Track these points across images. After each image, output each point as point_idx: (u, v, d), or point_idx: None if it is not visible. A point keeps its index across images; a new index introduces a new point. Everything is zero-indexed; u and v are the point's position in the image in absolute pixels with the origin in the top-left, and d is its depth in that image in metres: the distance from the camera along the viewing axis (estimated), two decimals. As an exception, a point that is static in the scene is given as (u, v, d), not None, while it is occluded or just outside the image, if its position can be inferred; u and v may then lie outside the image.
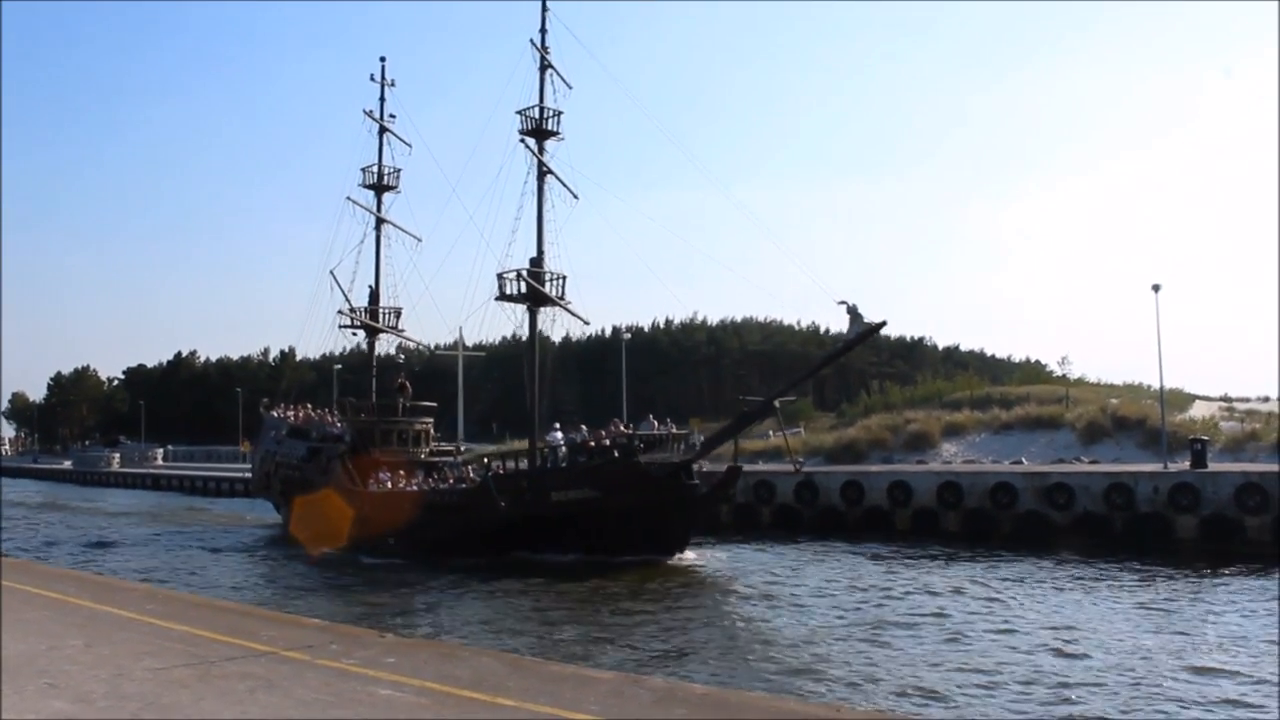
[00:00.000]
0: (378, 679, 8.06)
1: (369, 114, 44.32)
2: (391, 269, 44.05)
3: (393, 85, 44.73)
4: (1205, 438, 36.52)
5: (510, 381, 50.11)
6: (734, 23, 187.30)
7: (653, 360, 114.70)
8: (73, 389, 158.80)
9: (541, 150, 34.86)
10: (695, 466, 30.99)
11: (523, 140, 34.83)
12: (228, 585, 26.52)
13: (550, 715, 6.93)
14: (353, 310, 43.36)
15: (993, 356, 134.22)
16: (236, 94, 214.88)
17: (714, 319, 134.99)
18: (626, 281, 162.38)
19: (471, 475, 35.46)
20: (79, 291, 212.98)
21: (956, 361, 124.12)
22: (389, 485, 35.61)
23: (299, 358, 72.12)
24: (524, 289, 34.27)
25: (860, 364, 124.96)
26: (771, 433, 75.78)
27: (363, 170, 44.34)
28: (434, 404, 42.80)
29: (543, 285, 34.53)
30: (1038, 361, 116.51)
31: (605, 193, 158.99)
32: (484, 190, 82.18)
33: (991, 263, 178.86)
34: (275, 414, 45.58)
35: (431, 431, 41.88)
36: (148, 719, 6.75)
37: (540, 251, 34.59)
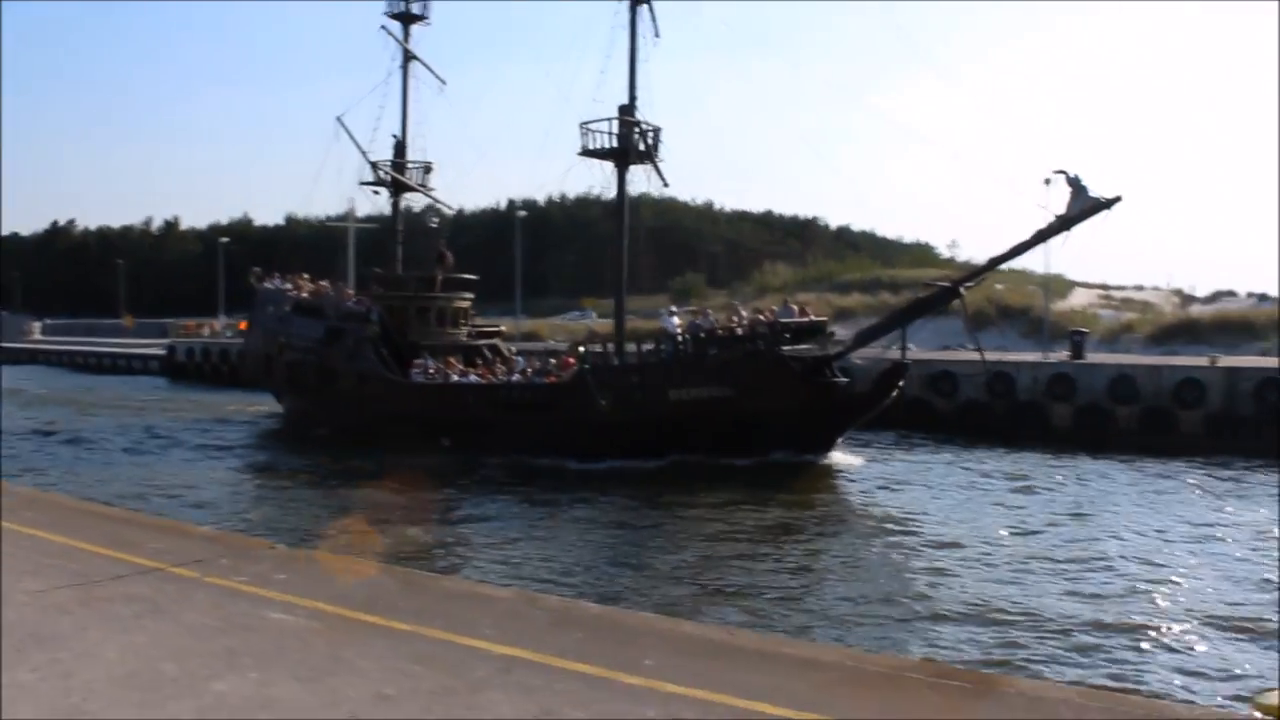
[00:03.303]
0: (269, 599, 7.95)
1: None
2: (419, 118, 38.75)
3: None
4: (1084, 330, 38.00)
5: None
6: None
7: (548, 235, 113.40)
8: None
9: None
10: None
11: None
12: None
13: (444, 640, 6.94)
14: (375, 164, 37.73)
15: (884, 238, 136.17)
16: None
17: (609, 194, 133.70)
18: (521, 152, 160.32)
19: (529, 367, 31.14)
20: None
21: (848, 242, 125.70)
22: (432, 374, 31.42)
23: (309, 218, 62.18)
24: (614, 142, 30.17)
25: (753, 242, 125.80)
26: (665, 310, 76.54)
27: None
28: (475, 276, 37.18)
29: (634, 137, 30.26)
30: (927, 244, 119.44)
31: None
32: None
33: (886, 150, 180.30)
34: (271, 285, 39.61)
35: (471, 309, 37.03)
36: (32, 652, 6.56)
37: (633, 98, 30.15)
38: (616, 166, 30.69)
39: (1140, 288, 70.91)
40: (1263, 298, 60.87)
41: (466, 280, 36.53)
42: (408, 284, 35.55)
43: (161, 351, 68.09)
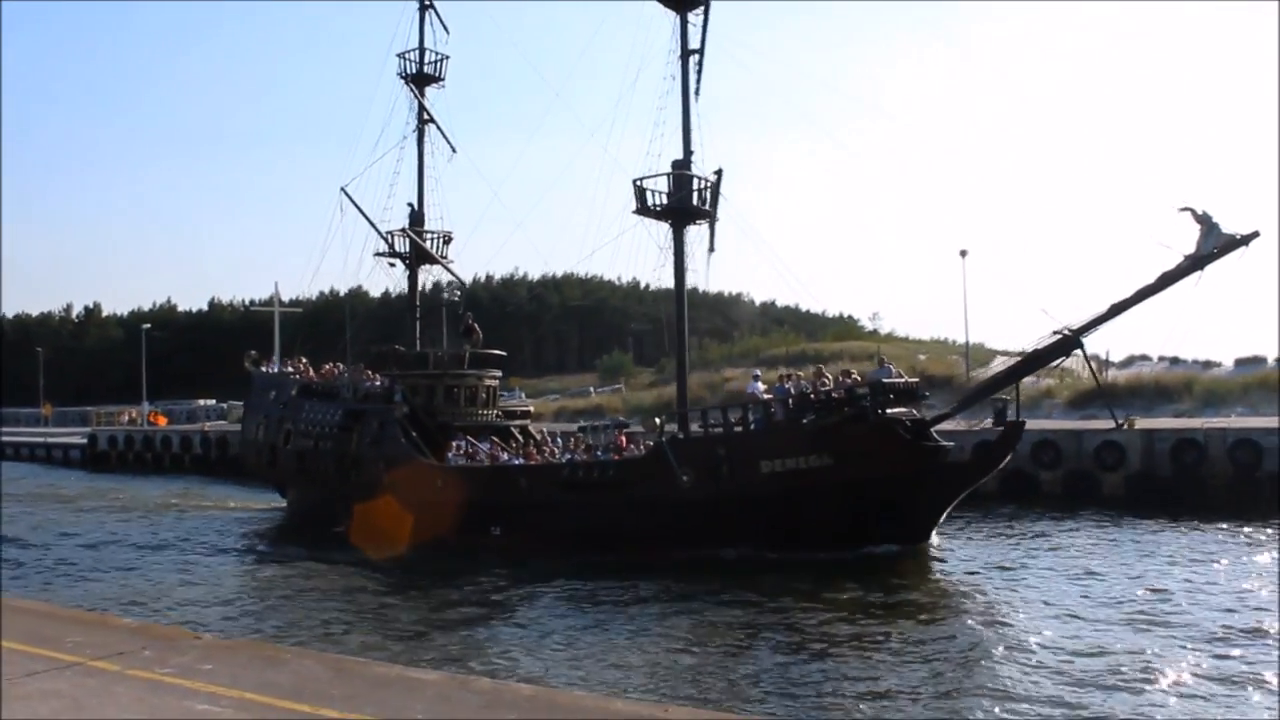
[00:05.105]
0: (194, 690, 7.80)
1: None
2: (435, 185, 36.31)
3: None
4: (1006, 397, 38.65)
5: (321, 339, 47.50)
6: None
7: (475, 315, 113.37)
8: None
9: (685, 23, 28.18)
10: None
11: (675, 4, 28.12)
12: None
13: (375, 726, 6.87)
14: (388, 235, 35.46)
15: (808, 312, 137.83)
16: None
17: (534, 274, 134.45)
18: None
19: (583, 443, 28.59)
20: None
21: (773, 317, 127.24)
22: (475, 456, 28.75)
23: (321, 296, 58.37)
24: (667, 200, 27.80)
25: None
26: (593, 390, 76.40)
27: (399, 57, 36.13)
28: (503, 353, 34.92)
29: (691, 195, 27.93)
30: (850, 317, 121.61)
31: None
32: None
33: (807, 225, 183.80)
34: (267, 369, 37.51)
35: (498, 388, 34.59)
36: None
37: (688, 151, 28.02)
38: (673, 226, 28.38)
39: (1058, 354, 72.61)
40: (1174, 360, 62.71)
41: (496, 356, 34.06)
42: (428, 361, 32.87)
43: (82, 440, 66.58)
